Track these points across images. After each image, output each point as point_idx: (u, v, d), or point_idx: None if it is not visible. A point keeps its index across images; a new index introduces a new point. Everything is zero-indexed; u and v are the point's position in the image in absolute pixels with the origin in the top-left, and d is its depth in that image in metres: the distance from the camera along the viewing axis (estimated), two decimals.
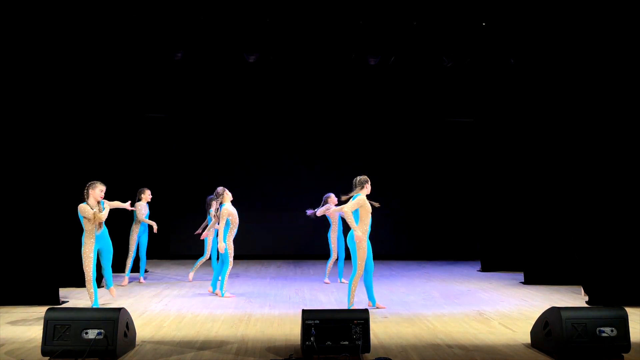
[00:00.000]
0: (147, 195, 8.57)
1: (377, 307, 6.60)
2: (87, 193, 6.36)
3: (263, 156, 11.98)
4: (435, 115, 11.93)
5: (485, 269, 9.98)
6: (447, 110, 11.86)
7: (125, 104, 9.44)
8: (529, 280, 8.51)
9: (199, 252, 8.78)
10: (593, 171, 7.20)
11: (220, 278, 7.39)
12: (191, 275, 8.72)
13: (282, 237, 11.89)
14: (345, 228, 7.35)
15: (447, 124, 12.13)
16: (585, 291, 7.28)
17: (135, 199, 8.50)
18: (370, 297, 6.62)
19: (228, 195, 7.41)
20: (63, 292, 7.22)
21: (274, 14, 8.04)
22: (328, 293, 7.79)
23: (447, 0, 7.98)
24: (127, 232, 8.53)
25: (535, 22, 8.09)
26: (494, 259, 9.98)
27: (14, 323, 5.78)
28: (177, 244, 11.73)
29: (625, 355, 4.66)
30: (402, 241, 12.05)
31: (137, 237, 8.46)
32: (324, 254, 11.75)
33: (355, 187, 6.52)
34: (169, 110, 11.64)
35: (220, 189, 7.45)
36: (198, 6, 7.91)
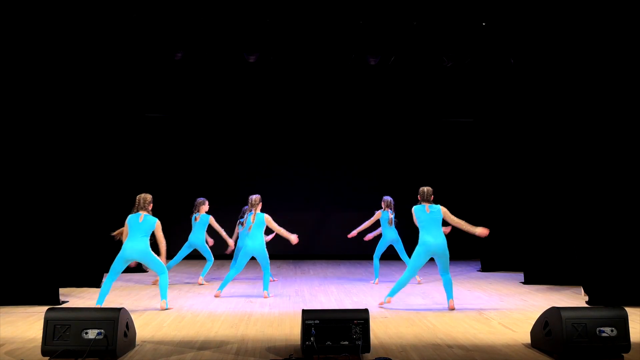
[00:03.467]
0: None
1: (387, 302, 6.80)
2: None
3: (262, 156, 11.98)
4: (435, 115, 11.95)
5: (485, 269, 9.99)
6: (447, 110, 11.88)
7: (125, 104, 9.43)
8: (529, 280, 8.51)
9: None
10: (593, 171, 7.20)
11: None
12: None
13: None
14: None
15: (447, 124, 12.13)
16: (585, 291, 7.27)
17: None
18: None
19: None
20: (63, 292, 7.22)
21: (274, 14, 8.04)
22: (328, 293, 7.79)
23: (447, 0, 7.98)
24: None
25: (535, 22, 8.09)
26: (494, 259, 9.98)
27: (14, 323, 5.78)
28: (177, 244, 11.70)
29: (625, 355, 4.65)
30: (402, 241, 12.02)
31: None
32: (324, 254, 11.80)
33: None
34: (169, 110, 11.65)
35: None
36: (198, 6, 7.91)
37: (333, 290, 8.00)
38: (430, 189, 6.87)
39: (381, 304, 6.80)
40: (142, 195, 6.67)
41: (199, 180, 11.84)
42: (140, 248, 6.45)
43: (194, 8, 7.93)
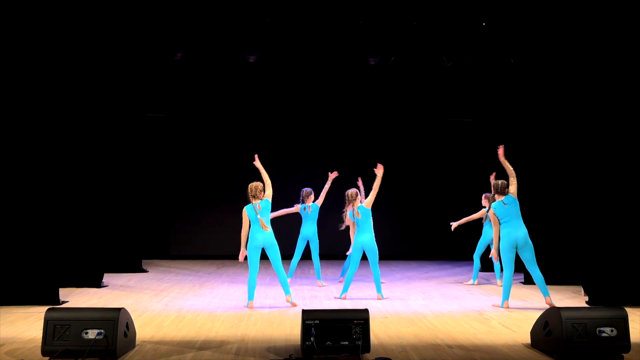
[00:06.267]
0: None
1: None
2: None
3: (262, 156, 11.94)
4: (435, 115, 11.95)
5: (485, 269, 9.96)
6: (447, 110, 11.88)
7: (125, 104, 9.43)
8: (529, 280, 8.48)
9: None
10: (593, 171, 7.19)
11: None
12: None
13: (282, 237, 11.86)
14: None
15: (447, 124, 12.13)
16: (585, 291, 7.27)
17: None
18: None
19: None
20: (63, 292, 7.22)
21: (274, 14, 8.04)
22: (328, 293, 7.78)
23: (447, 0, 7.99)
24: None
25: (535, 22, 8.09)
26: None
27: (14, 323, 5.78)
28: (177, 244, 11.74)
29: (625, 355, 4.65)
30: (402, 241, 12.04)
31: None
32: (324, 254, 11.72)
33: None
34: (169, 110, 11.65)
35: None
36: (198, 6, 7.92)
37: (333, 290, 8.00)
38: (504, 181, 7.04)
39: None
40: (254, 184, 6.80)
41: (199, 180, 11.84)
42: (268, 235, 6.63)
43: (194, 8, 7.93)
